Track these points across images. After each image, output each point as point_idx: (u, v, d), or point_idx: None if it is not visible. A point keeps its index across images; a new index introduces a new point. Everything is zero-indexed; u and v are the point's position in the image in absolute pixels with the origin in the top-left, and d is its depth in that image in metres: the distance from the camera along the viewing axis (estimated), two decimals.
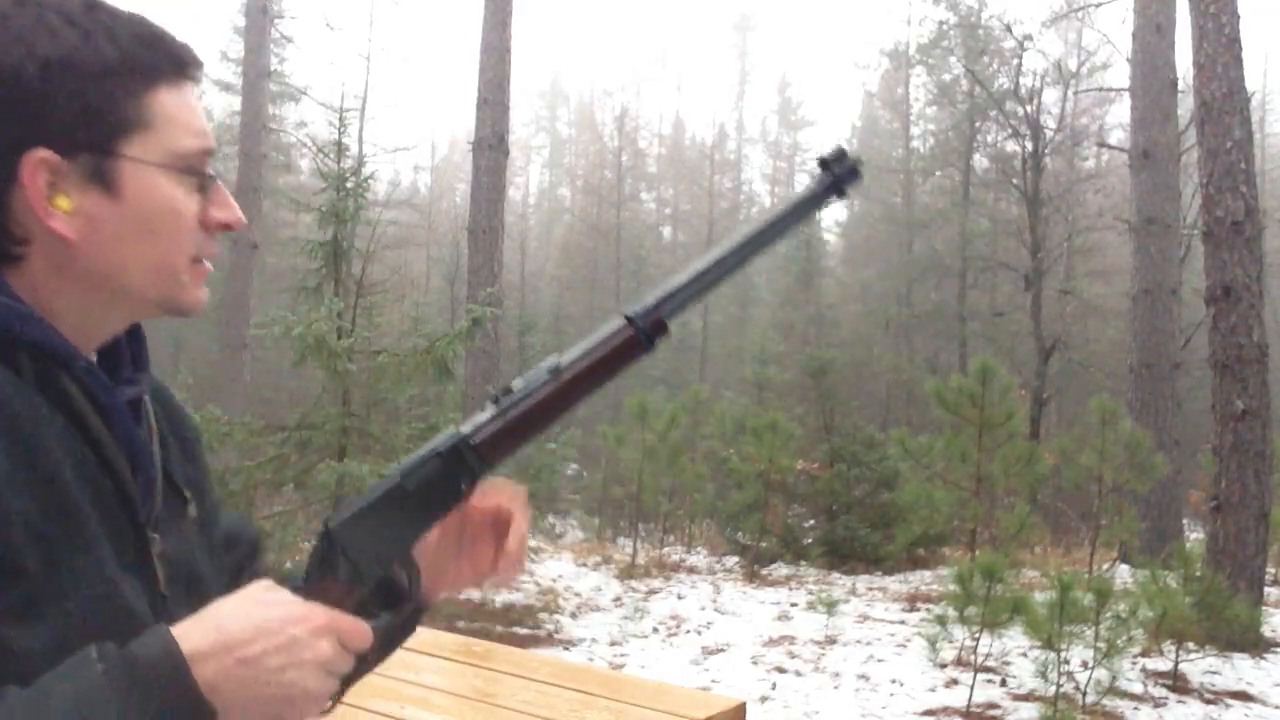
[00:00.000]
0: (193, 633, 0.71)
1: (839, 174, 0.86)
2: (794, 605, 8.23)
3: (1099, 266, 21.48)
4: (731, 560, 10.90)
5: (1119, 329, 17.34)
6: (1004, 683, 5.91)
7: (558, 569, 9.43)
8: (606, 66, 71.89)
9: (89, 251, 0.82)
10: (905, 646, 6.75)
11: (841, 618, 7.39)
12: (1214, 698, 5.70)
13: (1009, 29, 19.03)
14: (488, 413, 0.85)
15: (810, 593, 8.57)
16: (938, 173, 24.03)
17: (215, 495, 1.03)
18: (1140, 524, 9.93)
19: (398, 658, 1.02)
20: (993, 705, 5.50)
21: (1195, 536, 10.96)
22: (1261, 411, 7.00)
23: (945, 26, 21.89)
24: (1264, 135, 27.77)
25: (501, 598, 7.84)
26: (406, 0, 46.85)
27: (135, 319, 0.90)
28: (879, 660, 6.45)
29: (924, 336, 22.93)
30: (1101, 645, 5.28)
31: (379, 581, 0.87)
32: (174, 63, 0.85)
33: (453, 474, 0.85)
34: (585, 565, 9.96)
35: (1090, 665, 5.35)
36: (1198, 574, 6.44)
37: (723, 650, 6.77)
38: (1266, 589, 7.77)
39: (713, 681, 6.01)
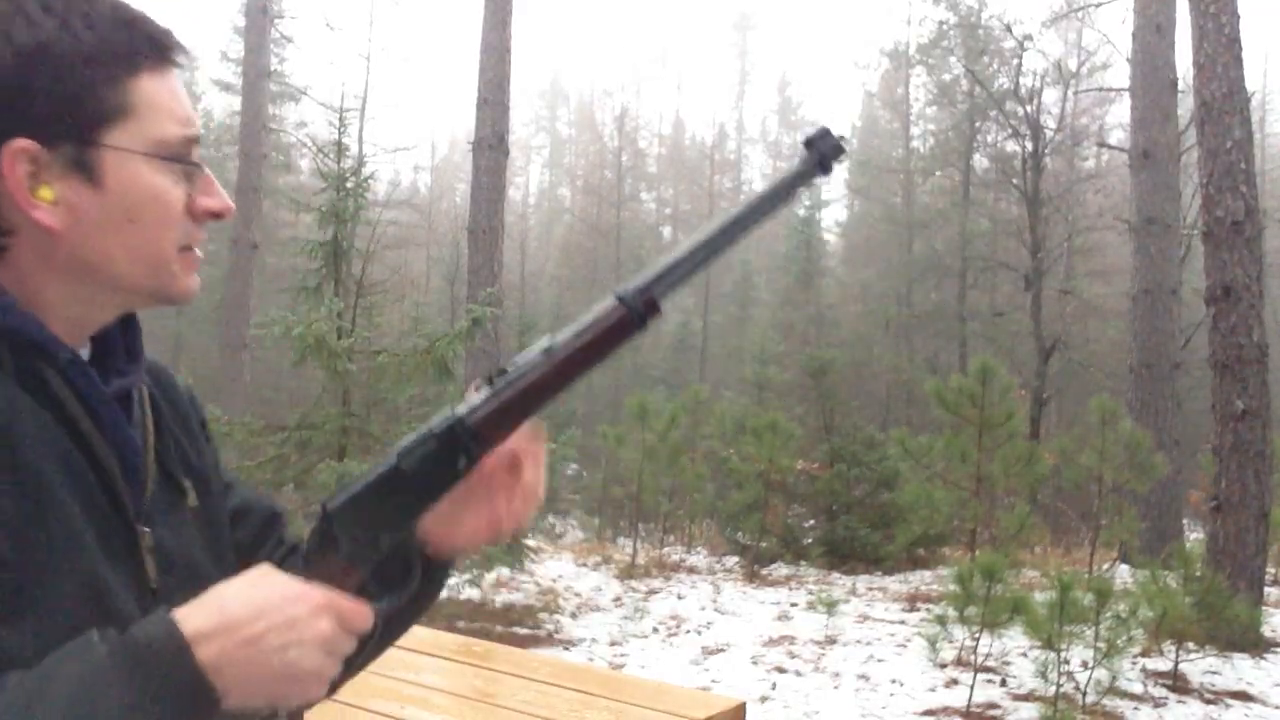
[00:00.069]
0: (194, 615, 0.71)
1: (824, 152, 0.87)
2: (794, 605, 8.23)
3: (1099, 266, 21.49)
4: (731, 560, 10.90)
5: (1119, 329, 17.34)
6: (1004, 683, 5.91)
7: (558, 569, 9.43)
8: (606, 66, 72.01)
9: (74, 242, 0.81)
10: (905, 646, 6.75)
11: (841, 618, 7.39)
12: (1214, 698, 5.70)
13: (1009, 29, 19.05)
14: (482, 394, 0.85)
15: (810, 593, 8.57)
16: (938, 173, 24.04)
17: (226, 476, 1.02)
18: (1140, 524, 9.93)
19: (398, 658, 1.02)
20: (993, 705, 5.50)
21: (1195, 536, 10.96)
22: (1261, 411, 7.01)
23: (945, 26, 21.90)
24: (1264, 135, 27.79)
25: (501, 597, 7.84)
26: (406, 0, 46.90)
27: (127, 309, 0.89)
28: (879, 660, 6.45)
29: (924, 336, 22.94)
30: (1101, 645, 5.28)
31: (379, 563, 0.87)
32: (156, 48, 0.84)
33: (449, 454, 0.85)
34: (585, 565, 9.96)
35: (1090, 665, 5.35)
36: (1198, 574, 6.44)
37: (723, 650, 6.77)
38: (1266, 589, 7.77)
39: (713, 681, 6.01)
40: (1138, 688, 5.74)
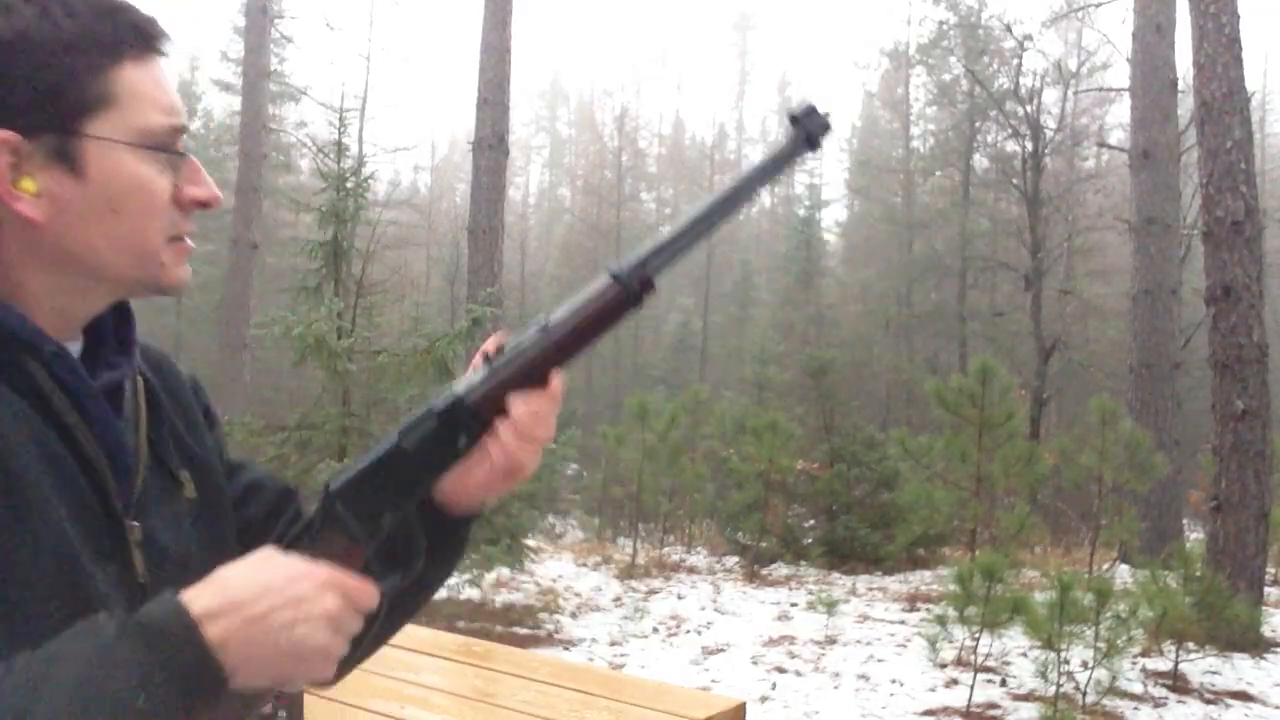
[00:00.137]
0: (201, 595, 0.71)
1: (810, 128, 0.89)
2: (794, 605, 8.23)
3: (1099, 266, 21.50)
4: (731, 560, 10.90)
5: (1119, 329, 17.34)
6: (1004, 683, 5.91)
7: (558, 569, 9.43)
8: (606, 66, 71.90)
9: (58, 233, 0.80)
10: (905, 646, 6.75)
11: (841, 618, 7.39)
12: (1214, 698, 5.70)
13: (1009, 29, 19.05)
14: (481, 372, 0.86)
15: (810, 593, 8.57)
16: (938, 173, 24.04)
17: (237, 459, 1.02)
18: (1140, 524, 9.93)
19: (398, 658, 1.02)
20: (993, 705, 5.50)
21: (1195, 536, 10.96)
22: (1261, 411, 7.01)
23: (945, 26, 21.90)
24: (1264, 135, 27.80)
25: (501, 597, 7.84)
26: (406, 0, 46.89)
27: (117, 298, 0.88)
28: (879, 660, 6.45)
29: (924, 336, 22.94)
30: (1101, 645, 5.28)
31: (382, 541, 0.87)
32: (139, 37, 0.83)
33: (450, 432, 0.86)
34: (585, 565, 9.96)
35: (1090, 665, 5.35)
36: (1198, 574, 6.44)
37: (723, 650, 6.77)
38: (1266, 589, 7.77)
39: (713, 681, 6.01)
40: (1138, 688, 5.74)
